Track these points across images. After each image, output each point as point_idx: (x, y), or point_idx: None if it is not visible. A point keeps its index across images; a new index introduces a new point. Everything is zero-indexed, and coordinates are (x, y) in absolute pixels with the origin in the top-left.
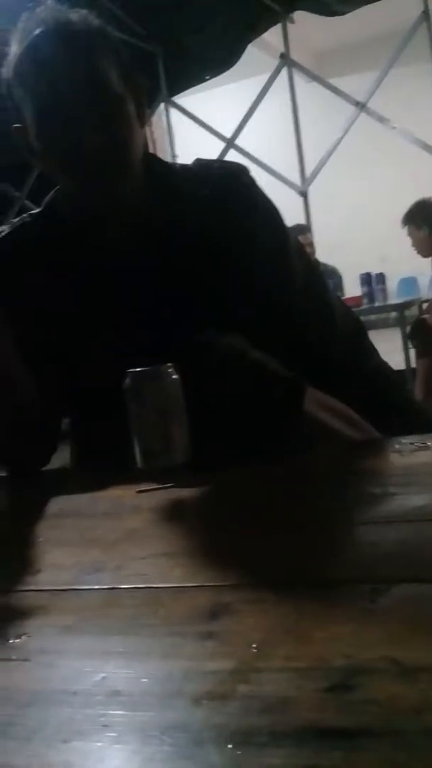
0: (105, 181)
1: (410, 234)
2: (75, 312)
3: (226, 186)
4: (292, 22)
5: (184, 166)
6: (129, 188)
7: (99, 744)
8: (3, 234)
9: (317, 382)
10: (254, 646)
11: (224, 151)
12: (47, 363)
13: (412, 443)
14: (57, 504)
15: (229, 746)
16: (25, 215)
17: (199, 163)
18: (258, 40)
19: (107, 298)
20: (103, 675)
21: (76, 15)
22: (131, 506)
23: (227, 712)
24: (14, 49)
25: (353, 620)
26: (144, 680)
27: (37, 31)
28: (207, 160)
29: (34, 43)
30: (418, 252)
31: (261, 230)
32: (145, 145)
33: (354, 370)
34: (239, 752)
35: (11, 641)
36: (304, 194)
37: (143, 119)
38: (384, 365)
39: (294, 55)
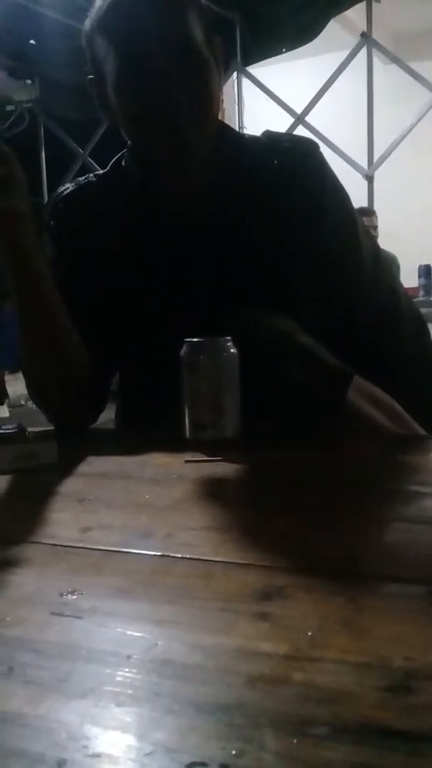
0: (180, 140)
1: None
2: (133, 273)
3: (295, 162)
4: (378, 1)
5: (254, 137)
6: (201, 152)
7: (152, 712)
8: (67, 191)
9: (373, 370)
10: (309, 633)
11: (293, 127)
12: (101, 320)
13: None
14: (105, 464)
15: (287, 734)
16: (90, 174)
17: (269, 135)
18: (339, 16)
19: (166, 264)
20: (156, 642)
21: None
22: (178, 475)
23: (283, 698)
24: (98, 2)
25: (411, 621)
26: (197, 653)
27: None
28: (277, 133)
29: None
30: None
31: (330, 210)
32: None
33: (413, 362)
34: (296, 741)
35: (64, 596)
36: (370, 178)
37: (221, 83)
38: None
39: (374, 36)
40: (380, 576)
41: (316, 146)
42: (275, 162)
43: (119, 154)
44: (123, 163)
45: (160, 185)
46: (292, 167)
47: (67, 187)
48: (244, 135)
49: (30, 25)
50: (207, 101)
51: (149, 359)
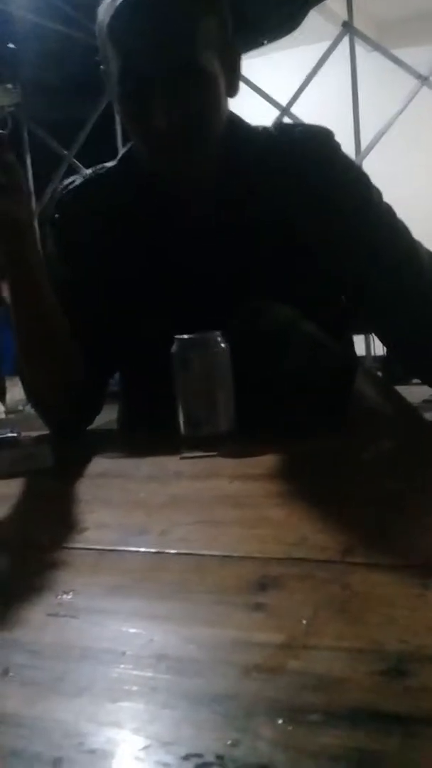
0: (177, 154)
1: None
2: (140, 267)
3: (306, 153)
4: None
5: (265, 129)
6: (204, 158)
7: (147, 706)
8: (74, 184)
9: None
10: (304, 621)
11: (278, 119)
12: (102, 318)
13: None
14: (102, 464)
15: (281, 721)
16: (98, 167)
17: (280, 126)
18: (320, 6)
19: (175, 257)
20: (151, 638)
21: None
22: (174, 472)
23: (278, 687)
24: None
25: (406, 605)
26: (192, 646)
27: None
28: (288, 125)
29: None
30: None
31: (343, 202)
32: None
33: None
34: (291, 728)
35: (59, 597)
36: None
37: (235, 87)
38: None
39: (356, 24)
40: (374, 562)
41: (329, 133)
42: (287, 153)
43: (127, 146)
44: (131, 156)
45: (166, 184)
46: (304, 158)
47: (74, 180)
48: (254, 127)
49: (8, 29)
50: (205, 115)
51: (154, 355)
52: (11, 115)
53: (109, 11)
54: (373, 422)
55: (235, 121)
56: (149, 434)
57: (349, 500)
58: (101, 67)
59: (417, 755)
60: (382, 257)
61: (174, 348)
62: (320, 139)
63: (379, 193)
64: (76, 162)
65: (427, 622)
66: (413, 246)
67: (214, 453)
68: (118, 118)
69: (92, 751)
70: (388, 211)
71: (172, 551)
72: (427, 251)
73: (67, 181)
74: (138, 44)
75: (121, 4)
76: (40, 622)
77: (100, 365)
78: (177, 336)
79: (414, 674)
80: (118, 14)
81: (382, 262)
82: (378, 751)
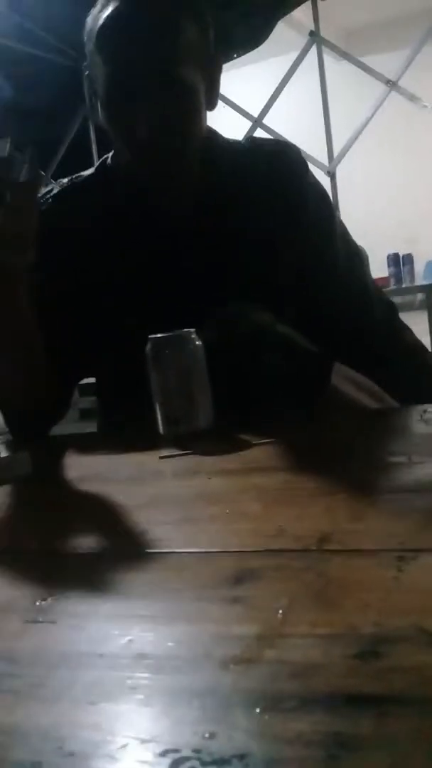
0: (156, 165)
1: None
2: (118, 273)
3: (278, 164)
4: None
5: (237, 142)
6: (182, 169)
7: (126, 706)
8: (52, 192)
9: (350, 359)
10: (280, 611)
11: (251, 131)
12: (75, 325)
13: None
14: (81, 468)
15: (258, 711)
16: (74, 176)
17: (253, 140)
18: (287, 17)
19: (152, 262)
20: (130, 638)
21: None
22: (153, 471)
23: (255, 677)
24: (99, 6)
25: (381, 588)
26: (170, 644)
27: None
28: (260, 139)
29: (117, 9)
30: None
31: (310, 209)
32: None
33: (387, 348)
34: (267, 717)
35: (38, 603)
36: (331, 174)
37: (214, 101)
38: (416, 345)
39: (323, 33)
40: (350, 549)
41: (297, 150)
42: (260, 164)
43: (105, 156)
44: (108, 163)
45: (145, 191)
46: (276, 169)
47: (52, 188)
48: (229, 140)
49: None
50: (185, 130)
51: (133, 357)
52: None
53: (97, 19)
54: (347, 417)
55: (212, 133)
56: (128, 435)
57: (324, 490)
58: (86, 72)
59: (391, 735)
60: (339, 266)
61: (148, 347)
62: (291, 155)
63: (332, 209)
64: (53, 182)
65: (401, 605)
66: (360, 254)
67: (191, 451)
68: (93, 137)
69: (71, 754)
70: (341, 229)
71: (151, 551)
72: (372, 280)
73: (44, 190)
74: (123, 55)
75: (109, 14)
76: (19, 630)
77: (68, 370)
78: (151, 336)
79: (387, 655)
80: (106, 23)
81: (336, 278)
82: (353, 734)
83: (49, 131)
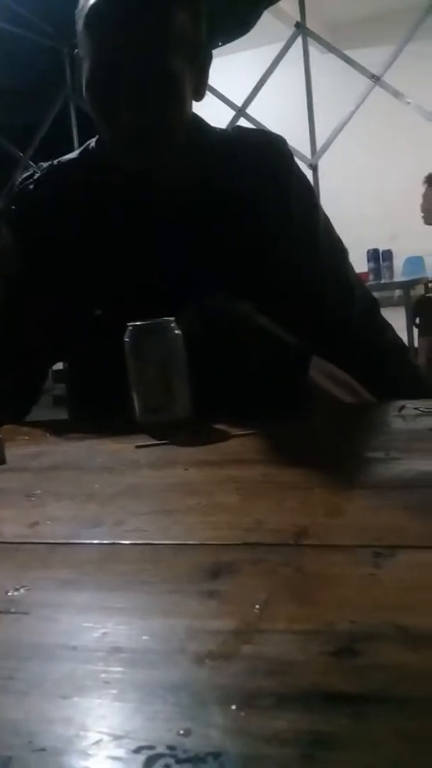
0: (139, 152)
1: (425, 195)
2: (97, 258)
3: (264, 153)
4: None
5: (224, 131)
6: (165, 157)
7: (99, 701)
8: (33, 176)
9: (330, 353)
10: (257, 606)
11: (234, 120)
12: (48, 312)
13: (416, 408)
14: (55, 456)
15: (233, 707)
16: (56, 160)
17: (239, 130)
18: (274, 7)
19: (133, 248)
20: (104, 631)
21: None
22: (129, 461)
23: (231, 673)
24: None
25: (358, 585)
26: (145, 637)
27: None
28: (246, 128)
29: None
30: (425, 217)
31: (294, 197)
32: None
33: (367, 344)
34: (243, 714)
35: (10, 594)
36: (314, 167)
37: (202, 91)
38: (396, 343)
39: (310, 25)
40: (327, 544)
41: (283, 140)
42: (247, 153)
43: (89, 141)
44: (92, 147)
45: (130, 177)
46: (262, 158)
47: (33, 172)
48: (215, 129)
49: None
50: (171, 120)
51: (107, 345)
52: None
53: (88, 0)
54: (325, 411)
55: (198, 121)
56: (103, 423)
57: (301, 484)
58: (75, 51)
59: (367, 733)
60: (321, 257)
61: (127, 335)
62: (276, 144)
63: (315, 199)
64: (33, 164)
65: (377, 601)
66: (342, 248)
67: (170, 441)
68: (74, 121)
69: (42, 749)
70: (324, 221)
71: (126, 542)
72: (355, 274)
73: (25, 174)
74: (110, 39)
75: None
76: None
77: (39, 359)
78: (129, 323)
79: (364, 653)
80: (96, 4)
81: (319, 263)
82: (329, 732)
83: (29, 112)
